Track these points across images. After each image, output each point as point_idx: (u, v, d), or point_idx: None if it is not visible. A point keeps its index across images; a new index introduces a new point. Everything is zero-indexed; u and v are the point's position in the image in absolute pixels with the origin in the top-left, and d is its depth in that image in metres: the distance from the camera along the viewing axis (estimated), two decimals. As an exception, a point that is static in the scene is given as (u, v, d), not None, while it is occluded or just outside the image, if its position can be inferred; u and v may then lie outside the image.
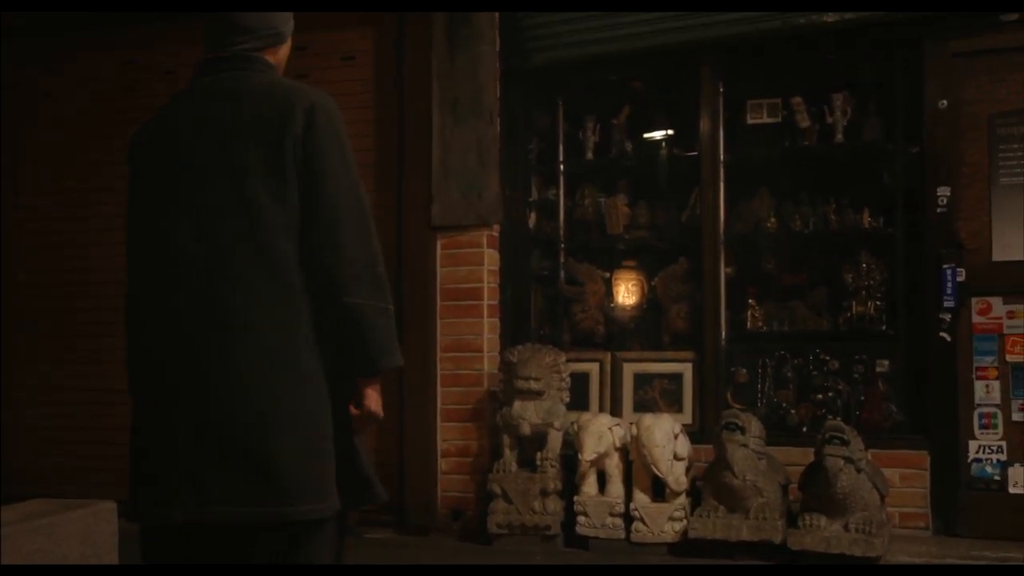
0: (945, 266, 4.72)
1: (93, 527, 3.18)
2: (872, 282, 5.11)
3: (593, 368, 5.40)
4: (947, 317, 4.75)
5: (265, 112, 2.09)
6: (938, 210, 4.78)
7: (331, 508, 2.06)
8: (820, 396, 5.12)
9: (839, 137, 5.14)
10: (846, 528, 4.36)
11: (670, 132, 5.58)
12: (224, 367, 2.01)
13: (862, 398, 5.05)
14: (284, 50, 2.32)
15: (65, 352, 6.04)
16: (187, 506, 1.97)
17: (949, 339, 4.76)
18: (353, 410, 2.14)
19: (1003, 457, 4.71)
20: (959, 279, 4.71)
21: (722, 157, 5.21)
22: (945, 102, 4.79)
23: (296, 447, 2.01)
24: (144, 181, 2.19)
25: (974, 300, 4.76)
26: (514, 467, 5.00)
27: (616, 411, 5.24)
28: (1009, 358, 4.72)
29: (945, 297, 4.72)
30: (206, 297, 2.04)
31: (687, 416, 5.18)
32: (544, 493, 4.86)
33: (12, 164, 6.17)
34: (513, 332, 5.44)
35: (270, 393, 2.01)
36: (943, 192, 4.77)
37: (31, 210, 6.19)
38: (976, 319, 4.76)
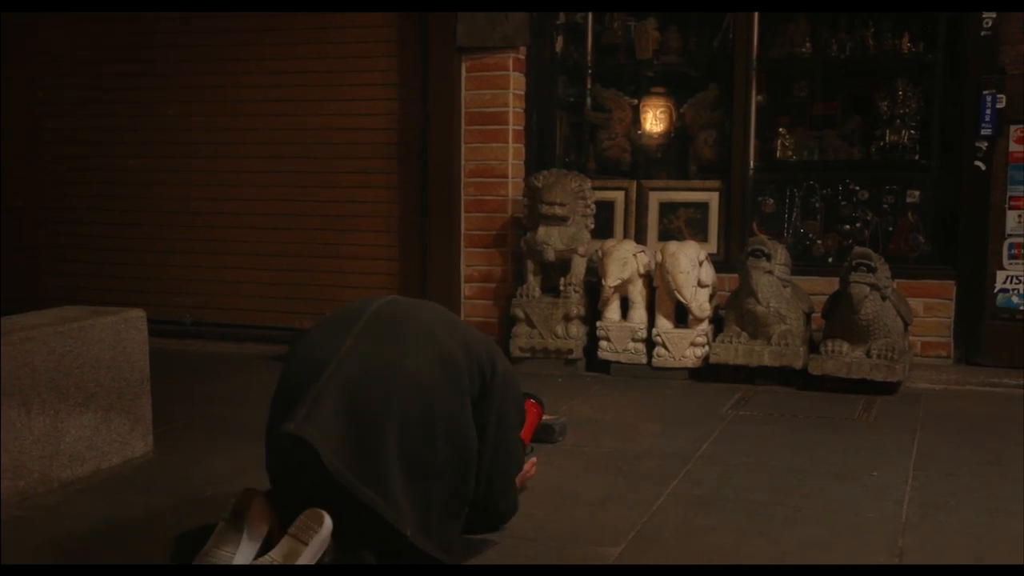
0: (985, 92, 4.59)
1: (124, 333, 3.22)
2: (907, 110, 4.97)
3: (618, 196, 5.34)
4: (983, 145, 4.65)
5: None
6: (982, 33, 4.61)
7: (397, 520, 2.24)
8: (847, 227, 5.07)
9: (882, -45, 4.91)
10: (868, 354, 4.38)
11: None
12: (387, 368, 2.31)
13: (890, 229, 4.99)
14: None
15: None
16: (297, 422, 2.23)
17: (984, 168, 4.67)
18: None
19: (1030, 287, 4.69)
20: (999, 106, 4.58)
21: (758, -23, 5.02)
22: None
23: (403, 473, 2.27)
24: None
25: (1012, 128, 4.65)
26: (537, 292, 5.01)
27: (641, 240, 5.21)
28: (1045, 187, 4.65)
29: (983, 125, 4.61)
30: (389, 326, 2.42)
31: (712, 245, 5.15)
32: (567, 318, 4.89)
33: None
34: (538, 159, 5.36)
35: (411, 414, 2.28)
36: (989, 14, 4.59)
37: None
38: (1013, 147, 4.66)
